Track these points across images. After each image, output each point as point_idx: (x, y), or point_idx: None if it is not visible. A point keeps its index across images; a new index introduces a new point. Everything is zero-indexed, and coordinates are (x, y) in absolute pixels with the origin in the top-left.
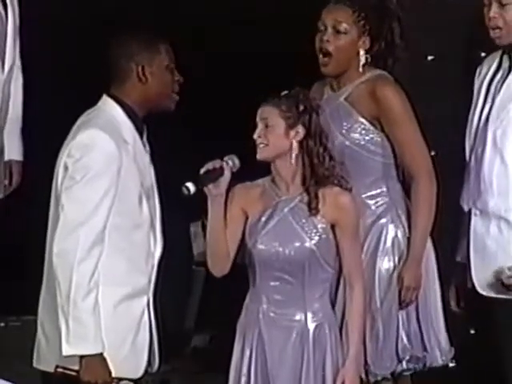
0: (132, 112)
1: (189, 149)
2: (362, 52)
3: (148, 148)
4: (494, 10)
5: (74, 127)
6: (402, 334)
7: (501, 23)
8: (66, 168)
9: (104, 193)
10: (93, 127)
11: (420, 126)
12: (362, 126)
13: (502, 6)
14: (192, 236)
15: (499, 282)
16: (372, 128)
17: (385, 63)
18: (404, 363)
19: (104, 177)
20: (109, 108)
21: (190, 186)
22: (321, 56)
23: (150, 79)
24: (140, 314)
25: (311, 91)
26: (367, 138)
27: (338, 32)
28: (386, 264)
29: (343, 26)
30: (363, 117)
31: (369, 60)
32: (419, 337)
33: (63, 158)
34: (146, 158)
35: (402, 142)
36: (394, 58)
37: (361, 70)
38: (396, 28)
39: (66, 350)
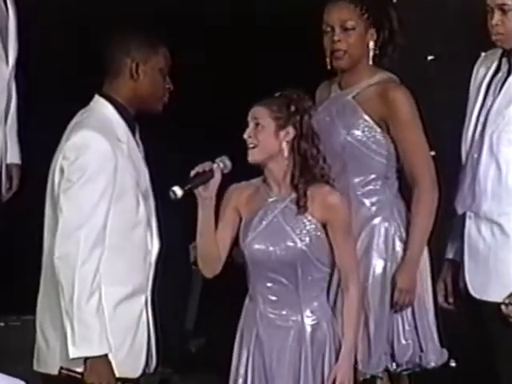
0: (124, 110)
1: (186, 147)
2: (371, 44)
3: (141, 146)
4: (497, 18)
5: (68, 129)
6: (401, 333)
7: (502, 29)
8: (61, 171)
9: (101, 193)
10: (85, 128)
11: (425, 131)
12: (366, 124)
13: (504, 12)
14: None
15: (500, 310)
16: (376, 127)
17: (385, 52)
18: (403, 363)
19: (100, 177)
20: (101, 107)
21: (177, 189)
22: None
23: (141, 77)
24: (139, 312)
25: (318, 89)
26: (369, 135)
27: (346, 30)
28: (379, 263)
29: (350, 23)
30: (369, 115)
31: (377, 52)
32: (416, 337)
33: (58, 161)
34: (140, 155)
35: (407, 146)
36: (394, 45)
37: (371, 62)
38: (393, 13)
39: (73, 353)
